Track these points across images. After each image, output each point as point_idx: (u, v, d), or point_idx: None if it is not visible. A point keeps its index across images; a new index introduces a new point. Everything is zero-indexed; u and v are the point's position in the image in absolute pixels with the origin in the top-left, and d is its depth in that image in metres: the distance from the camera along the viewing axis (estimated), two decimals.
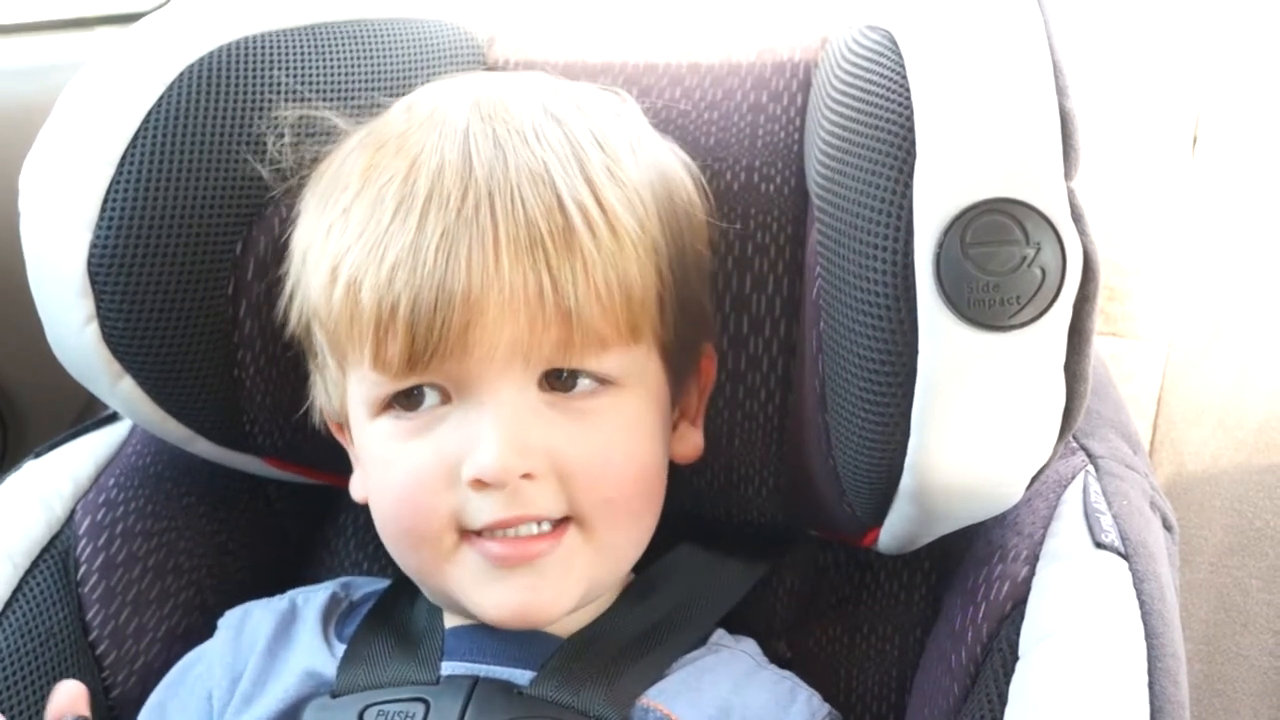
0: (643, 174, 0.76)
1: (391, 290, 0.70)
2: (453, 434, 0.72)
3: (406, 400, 0.73)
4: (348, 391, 0.77)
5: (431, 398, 0.73)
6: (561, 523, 0.73)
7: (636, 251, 0.73)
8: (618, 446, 0.74)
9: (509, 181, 0.71)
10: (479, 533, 0.73)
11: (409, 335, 0.70)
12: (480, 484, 0.71)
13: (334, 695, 0.76)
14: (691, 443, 0.82)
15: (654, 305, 0.75)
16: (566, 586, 0.74)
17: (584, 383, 0.73)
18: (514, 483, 0.71)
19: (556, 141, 0.73)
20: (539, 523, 0.73)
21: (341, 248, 0.73)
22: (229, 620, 0.85)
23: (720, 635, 0.82)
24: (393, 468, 0.74)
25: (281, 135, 0.81)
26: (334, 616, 0.84)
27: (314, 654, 0.80)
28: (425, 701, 0.74)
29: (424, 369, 0.71)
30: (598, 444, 0.73)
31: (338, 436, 0.83)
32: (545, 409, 0.72)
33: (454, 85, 0.80)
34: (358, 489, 0.81)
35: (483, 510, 0.72)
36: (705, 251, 0.81)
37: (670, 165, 0.80)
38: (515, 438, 0.71)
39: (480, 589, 0.74)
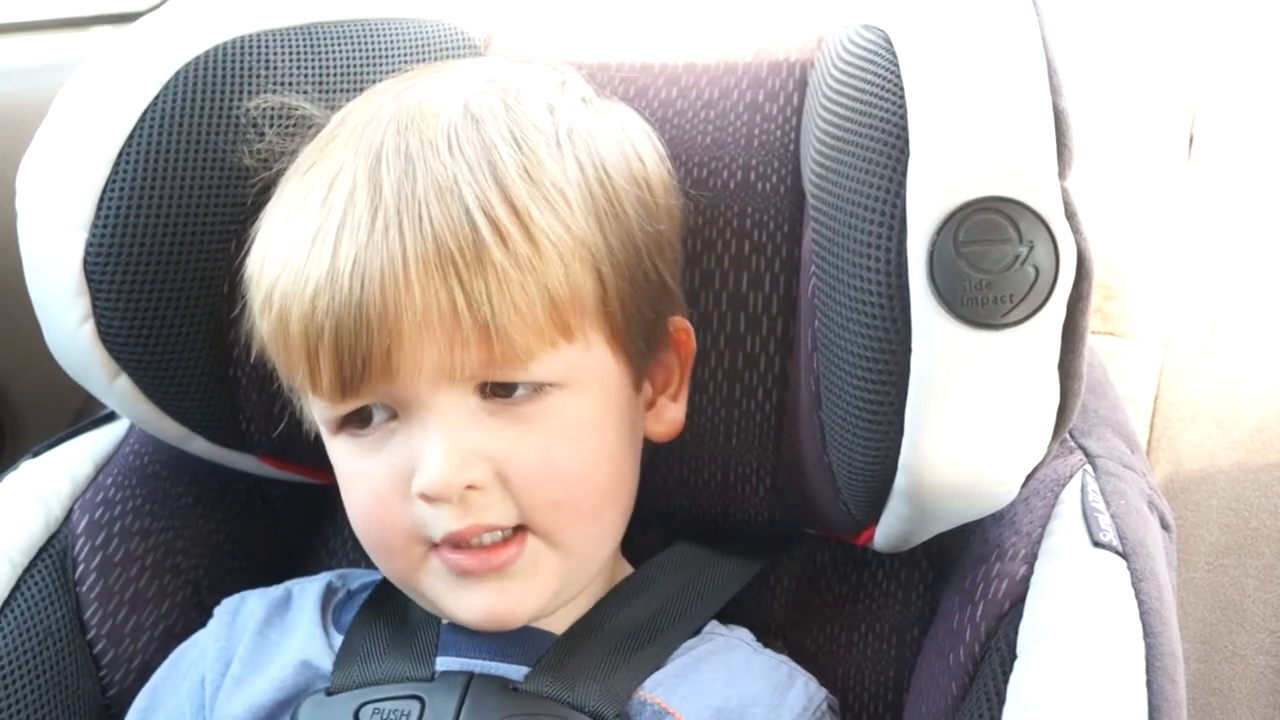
0: (570, 168, 0.74)
1: (315, 319, 0.70)
2: (400, 449, 0.72)
3: (359, 419, 0.74)
4: (309, 407, 0.78)
5: (380, 414, 0.73)
6: (519, 530, 0.73)
7: (559, 255, 0.71)
8: (560, 448, 0.73)
9: (416, 199, 0.70)
10: (442, 543, 0.73)
11: (336, 362, 0.70)
12: (427, 498, 0.71)
13: (329, 692, 0.77)
14: (669, 419, 0.81)
15: (591, 303, 0.73)
16: (534, 588, 0.74)
17: (521, 389, 0.72)
18: (460, 494, 0.71)
19: (470, 148, 0.72)
20: (493, 532, 0.73)
21: (272, 277, 0.73)
22: (225, 607, 0.85)
23: (713, 625, 0.82)
24: (354, 484, 0.75)
25: (262, 133, 0.81)
26: (331, 605, 0.84)
27: (310, 643, 0.80)
28: (420, 699, 0.74)
29: (358, 393, 0.72)
30: (538, 448, 0.72)
31: None
32: (486, 417, 0.72)
33: (385, 90, 0.78)
34: None
35: (437, 523, 0.72)
36: (665, 227, 0.79)
37: (616, 146, 0.77)
38: (456, 451, 0.71)
39: (451, 595, 0.75)
